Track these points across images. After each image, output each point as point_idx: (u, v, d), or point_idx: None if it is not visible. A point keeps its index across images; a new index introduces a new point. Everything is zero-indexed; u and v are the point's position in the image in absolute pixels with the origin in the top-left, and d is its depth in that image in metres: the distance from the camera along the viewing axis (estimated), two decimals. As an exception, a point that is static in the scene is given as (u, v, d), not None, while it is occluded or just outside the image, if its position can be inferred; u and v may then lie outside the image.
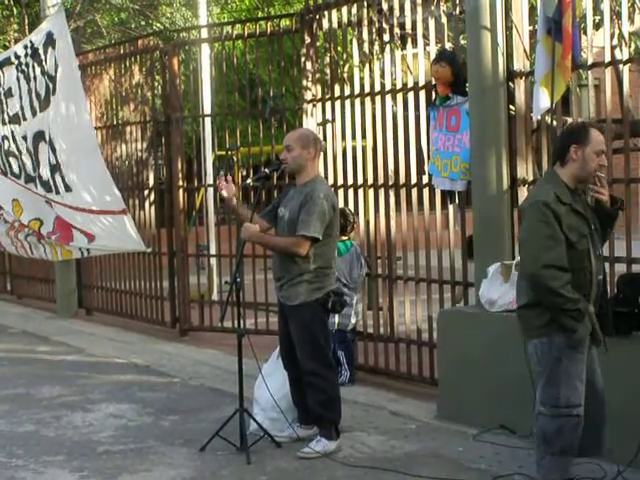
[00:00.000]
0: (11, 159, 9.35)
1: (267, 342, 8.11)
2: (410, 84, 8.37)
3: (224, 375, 8.86)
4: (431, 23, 8.16)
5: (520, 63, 7.35)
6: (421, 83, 8.24)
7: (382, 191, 8.67)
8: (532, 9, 8.03)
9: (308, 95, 9.42)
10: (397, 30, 8.47)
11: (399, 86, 8.52)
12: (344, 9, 8.95)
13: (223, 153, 13.15)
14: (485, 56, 7.33)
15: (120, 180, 11.98)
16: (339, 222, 6.81)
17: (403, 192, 8.49)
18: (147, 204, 12.22)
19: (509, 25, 7.43)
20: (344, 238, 8.33)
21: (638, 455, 5.43)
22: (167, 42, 12.80)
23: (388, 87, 8.55)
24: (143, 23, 19.63)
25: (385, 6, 8.51)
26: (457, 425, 6.98)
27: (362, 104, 8.83)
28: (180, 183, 11.49)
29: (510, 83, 7.44)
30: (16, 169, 9.31)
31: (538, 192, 5.32)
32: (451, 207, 8.10)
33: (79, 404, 8.09)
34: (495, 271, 6.96)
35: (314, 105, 9.38)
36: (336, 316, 8.06)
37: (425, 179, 8.26)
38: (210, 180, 13.09)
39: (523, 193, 7.35)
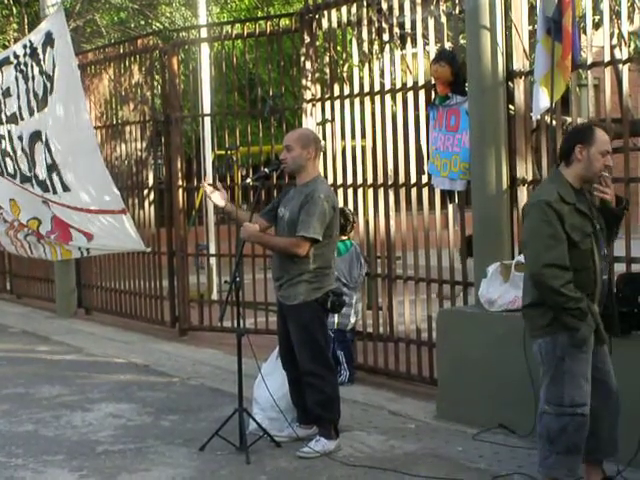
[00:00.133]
0: (7, 159, 9.34)
1: (267, 342, 8.11)
2: (410, 84, 8.37)
3: (224, 375, 8.86)
4: (430, 23, 8.16)
5: (520, 63, 7.35)
6: (420, 83, 8.23)
7: (381, 191, 8.67)
8: (532, 9, 8.02)
9: (308, 95, 9.42)
10: (397, 30, 8.47)
11: (398, 86, 8.52)
12: (344, 9, 8.95)
13: (223, 153, 13.16)
14: (485, 56, 7.33)
15: (120, 180, 11.98)
16: (339, 222, 6.81)
17: (403, 192, 8.49)
18: (147, 204, 12.22)
19: (509, 25, 7.43)
20: (344, 238, 8.33)
21: (637, 454, 5.44)
22: (166, 42, 12.79)
23: (388, 87, 8.55)
24: (142, 23, 19.61)
25: (385, 6, 8.51)
26: (456, 425, 6.98)
27: (362, 104, 8.83)
28: (180, 183, 11.50)
29: (509, 83, 7.44)
30: (11, 169, 9.30)
31: (541, 192, 5.33)
32: (450, 207, 8.10)
33: (78, 404, 8.09)
34: (495, 271, 6.96)
35: (313, 105, 9.38)
36: (335, 316, 8.06)
37: (424, 179, 8.26)
38: (210, 180, 13.10)
39: (523, 193, 7.36)
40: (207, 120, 13.94)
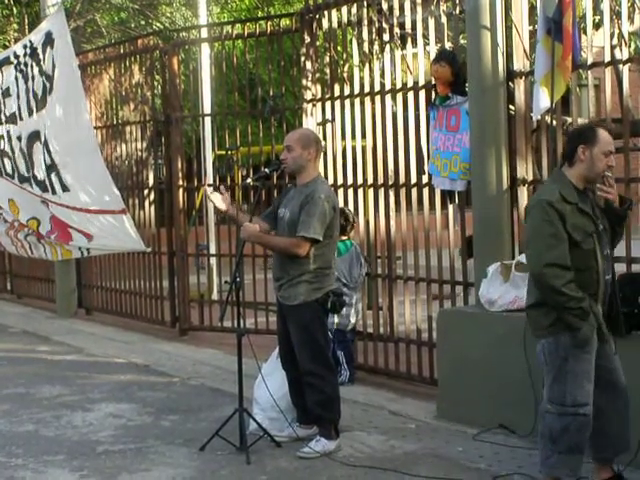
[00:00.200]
0: (5, 159, 9.35)
1: (267, 342, 8.11)
2: (410, 84, 8.37)
3: (224, 375, 8.86)
4: (431, 23, 8.16)
5: (520, 63, 7.35)
6: (421, 83, 8.24)
7: (382, 191, 8.67)
8: (532, 9, 8.03)
9: (308, 95, 9.42)
10: (397, 30, 8.47)
11: (399, 86, 8.52)
12: (344, 9, 8.95)
13: (223, 153, 13.15)
14: (485, 56, 7.33)
15: (120, 180, 11.99)
16: (339, 222, 6.81)
17: (403, 192, 8.49)
18: (147, 204, 12.23)
19: (509, 25, 7.43)
20: (344, 238, 8.33)
21: (638, 455, 5.44)
22: (167, 42, 12.80)
23: (388, 87, 8.55)
24: (143, 23, 19.63)
25: (385, 6, 8.51)
26: (457, 425, 6.98)
27: (362, 104, 8.83)
28: (180, 183, 11.50)
29: (510, 83, 7.44)
30: (10, 169, 9.30)
31: (543, 192, 5.35)
32: (451, 207, 8.10)
33: (79, 404, 8.09)
34: (495, 271, 6.96)
35: (314, 105, 9.38)
36: (335, 316, 8.06)
37: (425, 179, 8.26)
38: (210, 180, 13.10)
39: (523, 193, 7.36)
40: (207, 120, 13.93)
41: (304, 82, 9.48)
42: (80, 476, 6.19)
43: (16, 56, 9.20)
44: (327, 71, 9.35)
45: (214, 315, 10.94)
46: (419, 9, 8.15)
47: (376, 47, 8.73)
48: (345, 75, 9.09)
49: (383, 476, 6.03)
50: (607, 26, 6.87)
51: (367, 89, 8.78)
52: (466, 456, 6.33)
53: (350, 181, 9.01)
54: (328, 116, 9.20)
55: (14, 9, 19.20)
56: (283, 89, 10.70)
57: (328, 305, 6.46)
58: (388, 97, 8.56)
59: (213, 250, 13.35)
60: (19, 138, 9.09)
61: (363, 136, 8.85)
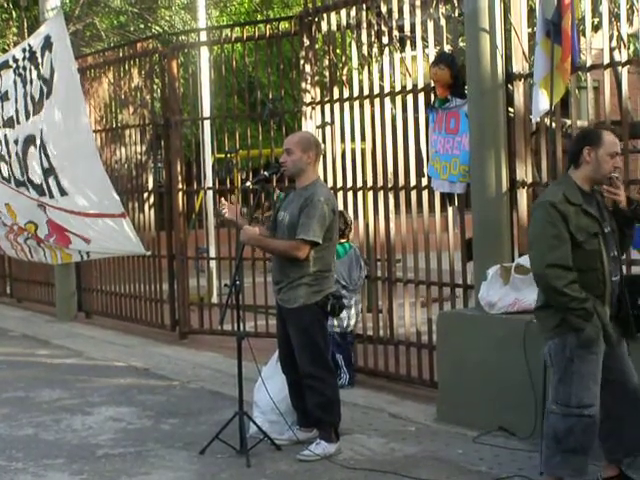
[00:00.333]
0: (2, 163, 9.34)
1: (267, 345, 8.11)
2: (409, 86, 8.37)
3: (224, 378, 8.86)
4: (430, 25, 8.16)
5: (519, 65, 7.35)
6: (420, 85, 8.23)
7: (381, 193, 8.67)
8: (531, 11, 8.03)
9: (307, 98, 9.43)
10: (396, 32, 8.47)
11: (398, 88, 8.52)
12: (343, 12, 8.96)
13: (222, 156, 13.16)
14: (484, 58, 7.33)
15: (119, 183, 11.99)
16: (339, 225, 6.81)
17: (402, 194, 8.49)
18: (146, 207, 12.23)
19: (508, 27, 7.44)
20: (342, 241, 8.32)
21: (637, 458, 5.44)
22: (166, 45, 12.78)
23: (387, 89, 8.55)
24: (142, 26, 19.64)
25: (384, 9, 8.52)
26: (457, 427, 6.98)
27: (361, 106, 8.83)
28: (179, 186, 11.50)
29: (509, 85, 7.44)
30: (6, 173, 9.29)
31: (547, 193, 5.38)
32: (450, 209, 8.10)
33: (79, 407, 8.09)
34: (495, 273, 6.96)
35: (313, 108, 9.38)
36: (333, 319, 8.04)
37: (424, 181, 8.26)
38: (209, 183, 13.10)
39: (522, 195, 7.36)
40: (207, 123, 13.90)
41: (303, 85, 9.49)
42: (80, 480, 6.21)
43: (15, 60, 9.20)
44: (326, 74, 9.36)
45: (214, 318, 10.94)
46: (418, 12, 8.15)
47: (375, 50, 8.73)
48: (344, 78, 9.09)
49: (383, 479, 6.02)
50: (606, 28, 6.87)
51: (366, 92, 8.78)
52: (466, 459, 6.33)
53: (350, 184, 9.01)
54: (327, 119, 9.20)
55: (13, 13, 19.21)
56: (282, 92, 10.70)
57: (328, 308, 6.45)
58: (387, 100, 8.57)
59: (213, 253, 13.35)
60: (16, 142, 9.09)
61: (362, 139, 8.86)
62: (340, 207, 8.49)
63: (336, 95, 9.12)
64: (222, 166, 15.42)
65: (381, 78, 8.62)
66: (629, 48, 7.69)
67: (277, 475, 6.19)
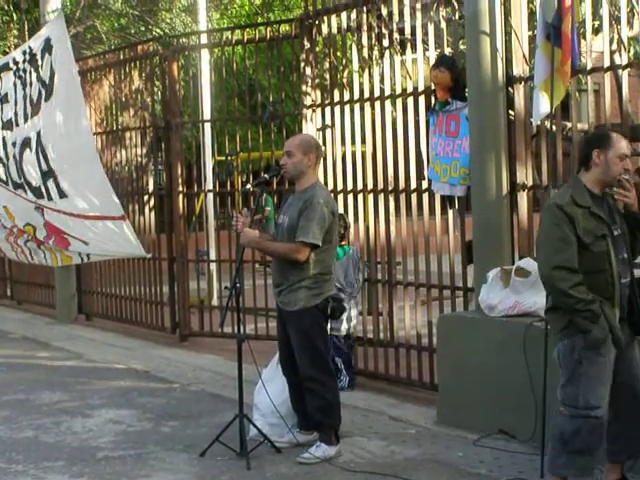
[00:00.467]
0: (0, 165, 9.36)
1: (267, 347, 8.11)
2: (409, 89, 8.38)
3: (224, 380, 8.86)
4: (430, 28, 8.17)
5: (519, 68, 7.35)
6: (420, 88, 8.24)
7: (382, 196, 8.67)
8: (531, 14, 8.03)
9: (307, 100, 9.43)
10: (396, 35, 8.47)
11: (398, 91, 8.52)
12: (343, 14, 8.96)
13: (223, 158, 13.15)
14: (484, 61, 7.33)
15: (120, 186, 12.00)
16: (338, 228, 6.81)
17: (403, 197, 8.49)
18: (147, 209, 12.22)
19: (508, 30, 7.44)
20: (342, 243, 8.32)
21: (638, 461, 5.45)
22: (167, 48, 12.79)
23: (387, 92, 8.55)
24: (143, 29, 19.63)
25: (384, 11, 8.52)
26: (457, 430, 6.98)
27: (361, 109, 8.83)
28: (180, 188, 11.50)
29: (509, 88, 7.44)
30: (3, 176, 9.30)
31: (556, 195, 5.43)
32: (450, 212, 8.10)
33: (79, 410, 8.09)
34: (495, 276, 6.96)
35: (313, 110, 9.38)
36: (330, 322, 8.02)
37: (425, 184, 8.26)
38: (210, 186, 13.09)
39: (522, 198, 7.36)
40: (207, 126, 13.93)
41: (304, 88, 9.49)
42: (80, 482, 6.20)
43: (15, 62, 9.21)
44: (327, 77, 9.36)
45: (214, 321, 10.94)
46: (419, 15, 8.15)
47: (376, 53, 8.73)
48: (345, 81, 9.09)
49: (383, 482, 6.03)
50: (606, 31, 6.87)
51: (367, 94, 8.78)
52: (466, 461, 6.33)
53: (350, 186, 9.01)
54: (328, 122, 9.20)
55: (14, 15, 19.21)
56: (283, 95, 10.70)
57: (328, 311, 6.46)
58: (388, 102, 8.57)
59: (213, 256, 13.35)
60: (14, 144, 9.10)
61: (363, 141, 8.86)
62: (340, 210, 8.50)
63: (337, 98, 9.12)
64: (222, 169, 15.41)
65: (381, 81, 8.62)
66: (629, 51, 7.71)
67: (277, 478, 6.19)
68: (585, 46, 7.08)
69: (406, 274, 8.62)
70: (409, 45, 8.49)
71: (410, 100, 8.34)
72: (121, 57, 12.52)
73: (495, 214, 7.42)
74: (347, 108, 8.98)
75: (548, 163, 7.20)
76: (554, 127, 7.18)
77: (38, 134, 8.76)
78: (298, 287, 6.42)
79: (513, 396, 6.58)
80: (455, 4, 8.04)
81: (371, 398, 8.17)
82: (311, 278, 6.41)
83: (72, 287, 13.49)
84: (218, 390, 8.62)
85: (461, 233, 8.11)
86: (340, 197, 8.98)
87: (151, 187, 12.46)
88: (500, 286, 6.89)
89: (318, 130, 9.25)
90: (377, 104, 8.65)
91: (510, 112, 7.48)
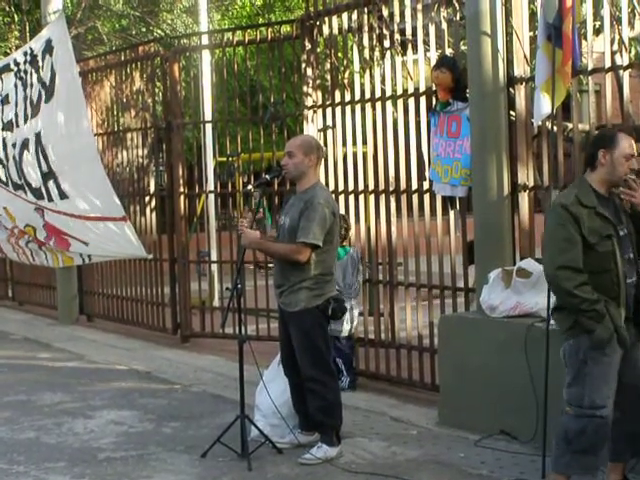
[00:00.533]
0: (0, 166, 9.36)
1: (268, 348, 8.10)
2: (410, 90, 8.37)
3: (225, 381, 8.86)
4: (431, 29, 8.17)
5: (520, 69, 7.35)
6: (422, 89, 8.24)
7: (383, 197, 8.67)
8: (532, 15, 8.03)
9: (309, 101, 9.43)
10: (397, 36, 8.47)
11: (399, 92, 8.52)
12: (344, 15, 8.96)
13: (224, 159, 13.16)
14: (485, 62, 7.33)
15: (121, 186, 12.01)
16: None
17: (404, 198, 8.48)
18: (148, 210, 12.23)
19: (509, 31, 7.44)
20: (343, 244, 8.31)
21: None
22: (168, 49, 12.81)
23: (389, 93, 8.55)
24: (144, 30, 19.63)
25: (385, 12, 8.52)
26: (458, 431, 6.98)
27: (362, 110, 8.83)
28: (181, 189, 11.50)
29: (510, 89, 7.44)
30: (4, 177, 9.31)
31: (561, 195, 5.46)
32: (452, 213, 8.10)
33: (80, 411, 8.09)
34: (496, 277, 6.96)
35: (315, 111, 9.38)
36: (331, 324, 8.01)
37: (426, 185, 8.26)
38: (211, 186, 13.09)
39: (524, 199, 7.36)
40: (208, 127, 13.94)
41: (305, 88, 9.49)
42: (81, 483, 6.21)
43: (16, 63, 9.22)
44: (328, 77, 9.36)
45: (215, 322, 10.94)
46: (420, 15, 8.15)
47: (377, 53, 8.73)
48: (346, 81, 9.09)
49: (385, 482, 6.03)
50: (607, 32, 6.87)
51: (368, 95, 8.78)
52: (468, 462, 6.32)
53: (351, 187, 9.01)
54: (329, 122, 9.20)
55: (15, 16, 19.23)
56: (284, 96, 10.70)
57: (329, 311, 6.46)
58: (389, 103, 8.57)
59: (214, 257, 13.35)
60: (14, 145, 9.11)
61: (364, 142, 8.85)
62: (342, 211, 8.49)
63: (338, 99, 9.12)
64: (224, 170, 15.42)
65: (383, 81, 8.62)
66: (630, 52, 7.70)
67: (278, 478, 6.19)
68: (586, 47, 7.08)
69: (407, 275, 8.62)
70: (410, 46, 8.48)
71: (411, 101, 8.34)
72: (122, 58, 12.53)
73: (496, 215, 7.42)
74: (348, 109, 8.98)
75: (549, 164, 7.20)
76: (555, 128, 7.18)
77: (37, 135, 8.76)
78: (299, 288, 6.43)
79: (514, 397, 6.58)
80: (456, 5, 8.04)
81: (372, 399, 8.17)
82: (312, 279, 6.41)
83: (73, 288, 13.49)
84: (219, 391, 8.62)
85: (462, 234, 8.11)
86: (341, 198, 8.98)
87: (152, 188, 12.47)
88: (501, 287, 6.89)
89: (319, 131, 9.25)
90: (378, 105, 8.65)
91: (511, 113, 7.48)
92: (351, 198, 9.00)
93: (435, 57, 8.12)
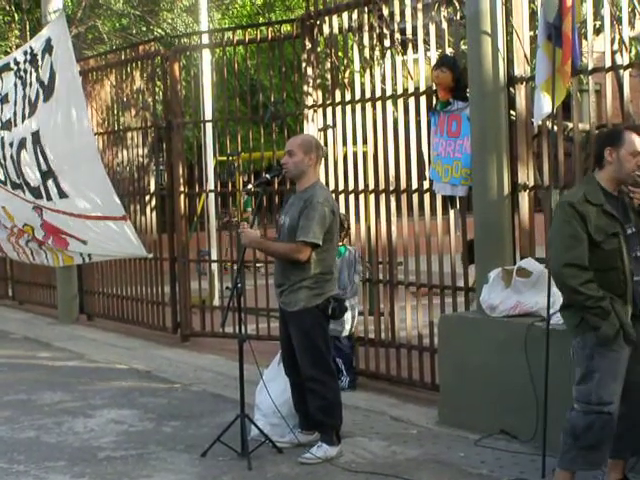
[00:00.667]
0: None
1: (268, 347, 8.11)
2: (411, 89, 8.37)
3: (225, 381, 8.86)
4: (432, 28, 8.16)
5: (521, 68, 7.35)
6: (422, 88, 8.24)
7: (383, 196, 8.66)
8: (533, 14, 8.02)
9: (309, 100, 9.43)
10: (398, 35, 8.47)
11: (400, 91, 8.52)
12: (345, 14, 8.95)
13: (224, 159, 13.16)
14: (486, 61, 7.33)
15: (121, 186, 12.01)
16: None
17: (404, 197, 8.48)
18: (148, 210, 12.23)
19: (510, 30, 7.44)
20: (340, 244, 8.30)
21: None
22: (168, 48, 12.81)
23: (389, 92, 8.55)
24: (144, 29, 19.62)
25: (386, 11, 8.52)
26: (458, 430, 6.98)
27: (363, 109, 8.83)
28: (181, 189, 11.50)
29: (511, 88, 7.45)
30: (2, 176, 9.31)
31: (568, 193, 5.48)
32: (452, 212, 8.10)
33: (80, 410, 8.09)
34: (496, 276, 6.96)
35: (315, 110, 9.38)
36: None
37: (426, 184, 8.26)
38: (211, 186, 13.09)
39: (524, 199, 7.36)
40: (209, 126, 13.94)
41: (305, 88, 9.49)
42: (81, 482, 6.21)
43: (16, 62, 9.22)
44: (328, 77, 9.36)
45: (215, 321, 10.94)
46: (420, 15, 8.15)
47: (377, 53, 8.72)
48: (346, 81, 9.09)
49: (385, 482, 6.03)
50: (608, 31, 6.87)
51: (368, 95, 8.78)
52: (468, 462, 6.32)
53: (351, 187, 9.01)
54: (329, 122, 9.20)
55: (15, 15, 19.23)
56: (284, 95, 10.70)
57: (329, 311, 6.46)
58: (389, 103, 8.57)
59: (214, 256, 13.36)
60: (11, 145, 9.10)
61: (364, 142, 8.85)
62: (342, 210, 8.49)
63: (338, 98, 9.12)
64: (224, 169, 15.41)
65: (383, 81, 8.62)
66: (631, 51, 7.70)
67: (278, 478, 6.19)
68: (586, 46, 7.08)
69: (407, 274, 8.62)
70: (410, 45, 8.48)
71: (411, 100, 8.34)
72: (122, 57, 12.53)
73: (496, 214, 7.42)
74: (348, 108, 8.98)
75: (549, 163, 7.20)
76: (555, 127, 7.18)
77: (34, 134, 8.76)
78: (299, 287, 6.43)
79: (514, 396, 6.58)
80: (456, 4, 8.04)
81: (372, 398, 8.17)
82: (312, 278, 6.41)
83: (74, 287, 13.50)
84: (219, 390, 8.62)
85: (462, 233, 8.11)
86: (341, 197, 8.98)
87: (152, 187, 12.46)
88: (501, 286, 6.89)
89: (319, 130, 9.25)
90: (378, 104, 8.65)
91: (511, 112, 7.48)
92: (351, 197, 9.00)
93: (435, 56, 8.12)
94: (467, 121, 7.63)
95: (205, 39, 11.90)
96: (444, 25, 8.07)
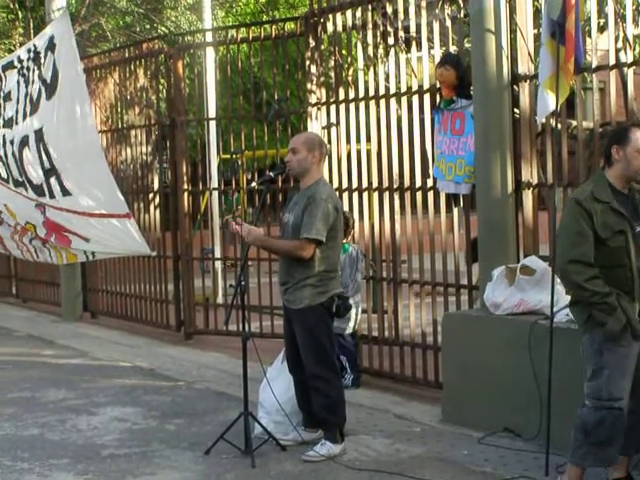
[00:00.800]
0: (0, 164, 9.36)
1: (272, 345, 8.11)
2: (415, 87, 8.37)
3: (229, 378, 8.87)
4: (435, 26, 8.15)
5: (524, 66, 7.35)
6: (425, 86, 8.24)
7: (387, 194, 8.66)
8: (536, 12, 8.02)
9: (313, 98, 9.43)
10: (402, 33, 8.47)
11: (404, 89, 8.51)
12: (349, 12, 8.95)
13: (228, 156, 13.16)
14: (489, 59, 7.33)
15: (125, 184, 12.01)
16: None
17: (408, 195, 8.49)
18: (152, 207, 12.24)
19: (513, 28, 7.44)
20: (344, 241, 8.29)
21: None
22: (172, 46, 12.80)
23: (393, 90, 8.55)
24: (148, 27, 19.63)
25: (390, 9, 8.52)
26: (462, 428, 6.97)
27: (367, 107, 8.83)
28: (185, 187, 11.50)
29: (514, 86, 7.44)
30: (4, 174, 9.31)
31: (577, 191, 5.50)
32: (456, 210, 8.10)
33: (84, 407, 8.09)
34: (500, 274, 6.96)
35: (319, 108, 9.38)
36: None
37: (430, 182, 8.26)
38: (215, 183, 13.09)
39: (528, 196, 7.36)
40: (212, 124, 13.90)
41: (309, 86, 9.49)
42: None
43: (20, 60, 9.22)
44: (332, 75, 9.35)
45: (219, 319, 10.94)
46: (424, 13, 8.15)
47: (381, 51, 8.72)
48: (350, 79, 9.09)
49: (388, 480, 6.03)
50: (612, 29, 6.87)
51: (372, 93, 8.77)
52: (471, 460, 6.32)
53: (355, 185, 9.01)
54: (333, 120, 9.20)
55: (19, 13, 19.24)
56: (288, 93, 10.71)
57: (333, 309, 6.46)
58: (393, 101, 8.56)
59: (218, 254, 13.36)
60: (12, 142, 9.10)
61: (368, 140, 8.85)
62: (345, 208, 8.49)
63: (342, 96, 9.12)
64: (228, 167, 15.41)
65: (387, 79, 8.62)
66: (635, 49, 7.69)
67: (282, 476, 6.19)
68: (590, 44, 7.07)
69: (411, 272, 8.62)
70: (414, 43, 8.48)
71: (415, 98, 8.34)
72: (126, 55, 12.54)
73: (500, 212, 7.42)
74: (352, 106, 8.98)
75: (553, 161, 7.20)
76: (559, 125, 7.17)
77: (37, 132, 8.76)
78: (303, 285, 6.42)
79: (518, 394, 6.58)
80: (460, 2, 8.02)
81: (376, 396, 8.17)
82: (316, 276, 6.41)
83: (77, 285, 13.51)
84: (223, 388, 8.62)
85: (466, 231, 8.11)
86: (345, 195, 8.97)
87: (156, 185, 12.46)
88: (505, 284, 6.89)
89: (323, 128, 9.25)
90: (382, 102, 8.65)
91: (515, 110, 7.48)
92: (355, 195, 8.99)
93: (439, 54, 8.11)
94: (471, 119, 7.63)
95: (209, 37, 11.91)
96: (448, 23, 8.07)
